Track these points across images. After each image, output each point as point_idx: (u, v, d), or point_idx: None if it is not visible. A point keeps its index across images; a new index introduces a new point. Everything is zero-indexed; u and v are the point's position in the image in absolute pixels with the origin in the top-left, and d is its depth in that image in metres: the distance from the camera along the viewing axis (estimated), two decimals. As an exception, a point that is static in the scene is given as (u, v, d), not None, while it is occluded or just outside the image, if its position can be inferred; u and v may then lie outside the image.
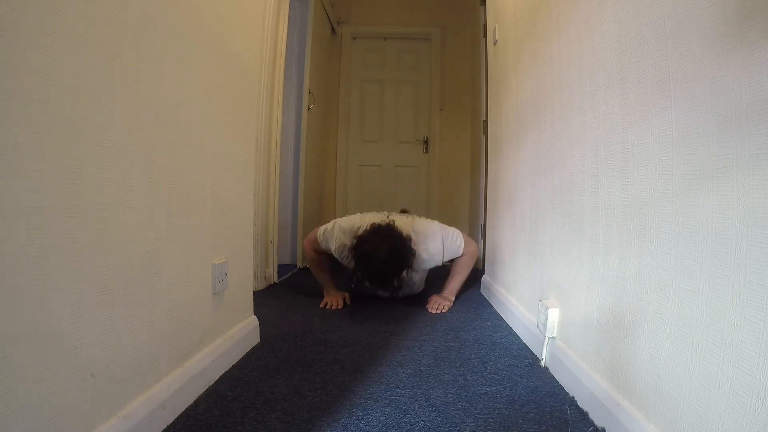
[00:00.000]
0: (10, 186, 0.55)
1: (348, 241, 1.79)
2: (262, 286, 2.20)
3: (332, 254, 1.94)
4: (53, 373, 0.63)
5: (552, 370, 1.23)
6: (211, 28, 1.09)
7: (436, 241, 1.87)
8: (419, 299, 2.03)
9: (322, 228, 1.96)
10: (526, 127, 1.62)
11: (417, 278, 2.00)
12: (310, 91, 2.87)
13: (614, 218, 0.93)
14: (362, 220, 1.89)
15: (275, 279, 2.38)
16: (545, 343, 1.28)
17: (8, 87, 0.54)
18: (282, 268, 2.64)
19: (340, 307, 1.90)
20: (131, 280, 0.81)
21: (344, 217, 1.99)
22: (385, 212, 2.05)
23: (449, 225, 2.03)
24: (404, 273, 1.72)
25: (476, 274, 2.77)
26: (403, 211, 2.54)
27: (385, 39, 3.77)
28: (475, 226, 3.24)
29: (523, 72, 1.68)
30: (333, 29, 3.62)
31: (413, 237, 1.80)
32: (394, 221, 1.81)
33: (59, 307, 0.64)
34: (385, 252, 1.64)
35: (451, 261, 1.99)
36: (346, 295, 1.98)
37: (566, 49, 1.21)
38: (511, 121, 1.86)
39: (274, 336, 1.50)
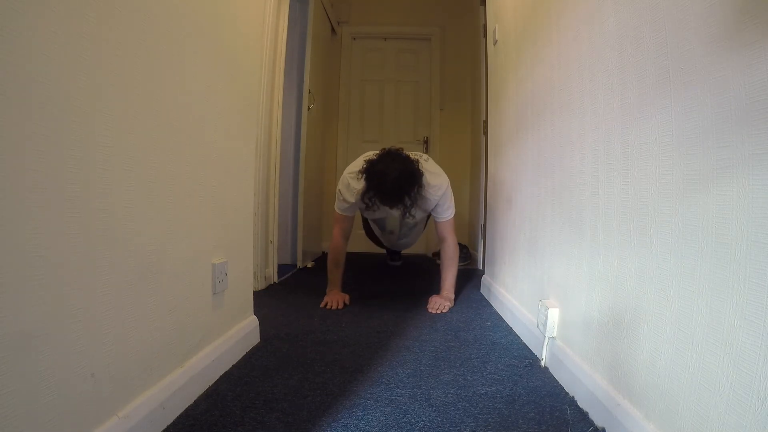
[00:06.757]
0: (10, 186, 0.55)
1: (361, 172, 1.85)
2: (262, 286, 2.20)
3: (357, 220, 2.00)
4: (53, 372, 0.62)
5: (552, 370, 1.23)
6: (211, 28, 1.09)
7: (442, 180, 1.90)
8: (419, 299, 2.03)
9: (336, 203, 1.99)
10: (526, 126, 1.62)
11: (418, 217, 2.00)
12: (310, 91, 2.87)
13: (614, 218, 0.93)
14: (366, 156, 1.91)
15: (275, 279, 2.38)
16: (545, 343, 1.28)
17: (9, 89, 0.54)
18: (282, 268, 2.64)
19: (340, 307, 1.90)
20: (131, 279, 0.81)
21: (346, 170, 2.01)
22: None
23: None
24: (416, 189, 1.75)
25: (476, 273, 2.77)
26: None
27: (385, 39, 3.77)
28: (475, 226, 3.24)
29: (523, 72, 1.68)
30: (333, 29, 3.62)
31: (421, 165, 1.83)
32: (402, 148, 1.85)
33: (59, 307, 0.64)
34: (396, 170, 1.68)
35: (443, 251, 2.00)
36: (347, 297, 1.98)
37: (566, 49, 1.22)
38: (511, 121, 1.86)
39: (274, 336, 1.50)
